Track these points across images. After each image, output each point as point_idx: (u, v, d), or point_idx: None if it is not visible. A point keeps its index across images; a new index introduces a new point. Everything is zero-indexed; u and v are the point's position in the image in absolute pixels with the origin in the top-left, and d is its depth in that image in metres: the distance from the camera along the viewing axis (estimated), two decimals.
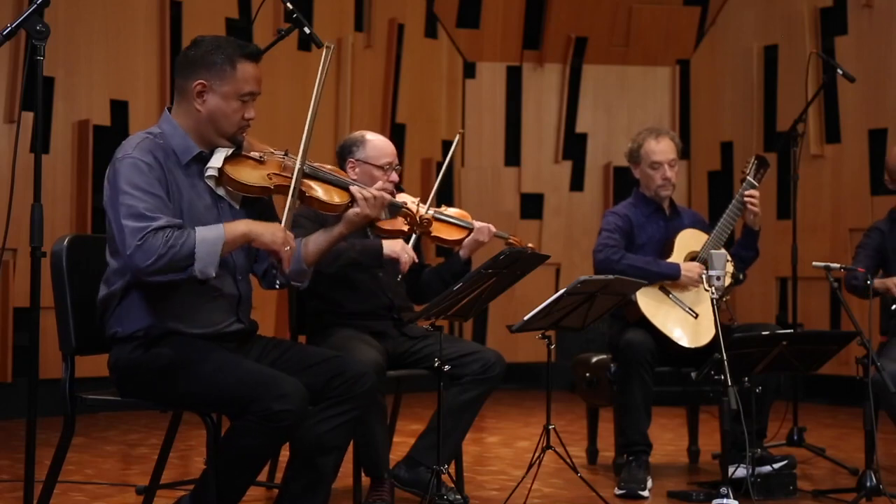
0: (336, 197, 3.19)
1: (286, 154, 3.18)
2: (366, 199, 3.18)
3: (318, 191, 3.17)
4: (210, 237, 2.93)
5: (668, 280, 4.59)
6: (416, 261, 4.01)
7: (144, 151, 3.00)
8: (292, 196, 3.09)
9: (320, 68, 3.17)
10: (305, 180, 3.14)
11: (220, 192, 3.13)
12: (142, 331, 3.03)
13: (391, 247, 3.94)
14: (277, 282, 3.21)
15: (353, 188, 3.20)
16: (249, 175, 3.09)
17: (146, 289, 3.00)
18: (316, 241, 3.24)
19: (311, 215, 3.79)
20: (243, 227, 3.01)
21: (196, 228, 2.93)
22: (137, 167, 2.96)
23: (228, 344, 3.14)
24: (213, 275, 2.95)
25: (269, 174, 3.11)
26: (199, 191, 3.09)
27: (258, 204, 3.25)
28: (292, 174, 3.10)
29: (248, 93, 3.08)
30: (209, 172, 3.09)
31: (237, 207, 3.18)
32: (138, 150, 2.99)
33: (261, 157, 3.14)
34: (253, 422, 2.87)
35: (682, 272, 4.57)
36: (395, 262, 3.94)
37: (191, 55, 3.09)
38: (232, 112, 3.07)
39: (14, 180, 3.03)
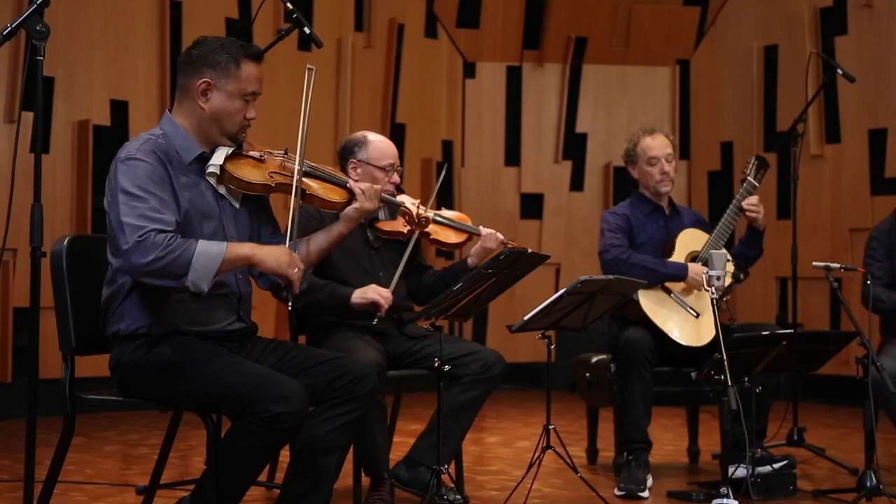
0: (335, 195, 3.25)
1: (285, 153, 3.23)
2: (363, 191, 3.26)
3: (319, 189, 3.23)
4: (211, 252, 2.92)
5: (675, 281, 4.59)
6: (391, 303, 3.90)
7: (147, 152, 3.01)
8: (295, 197, 3.11)
9: (305, 89, 3.19)
10: (305, 179, 3.19)
11: (222, 190, 3.15)
12: (143, 328, 3.04)
13: (362, 295, 3.89)
14: (290, 304, 3.12)
15: (350, 183, 3.28)
16: (251, 173, 3.12)
17: (148, 287, 2.99)
18: (316, 242, 3.28)
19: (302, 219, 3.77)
20: (247, 249, 3.00)
21: (199, 241, 2.93)
22: (140, 167, 2.97)
23: (229, 343, 3.15)
24: (206, 290, 2.93)
25: (269, 173, 3.14)
26: (202, 190, 3.11)
27: (257, 202, 3.27)
28: (292, 173, 3.13)
29: (251, 92, 3.12)
30: (210, 170, 3.11)
31: (237, 206, 3.19)
32: (141, 151, 3.01)
33: (261, 156, 3.18)
34: (253, 423, 2.88)
35: (690, 274, 4.56)
36: (372, 305, 3.88)
37: (194, 54, 3.11)
38: (235, 111, 3.10)
39: (14, 180, 3.03)
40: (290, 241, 3.11)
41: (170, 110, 3.17)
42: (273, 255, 3.00)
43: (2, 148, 6.10)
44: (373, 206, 3.28)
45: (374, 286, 3.91)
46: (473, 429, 4.27)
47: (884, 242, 4.88)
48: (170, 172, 3.03)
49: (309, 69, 3.20)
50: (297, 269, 3.01)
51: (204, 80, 3.08)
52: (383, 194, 3.43)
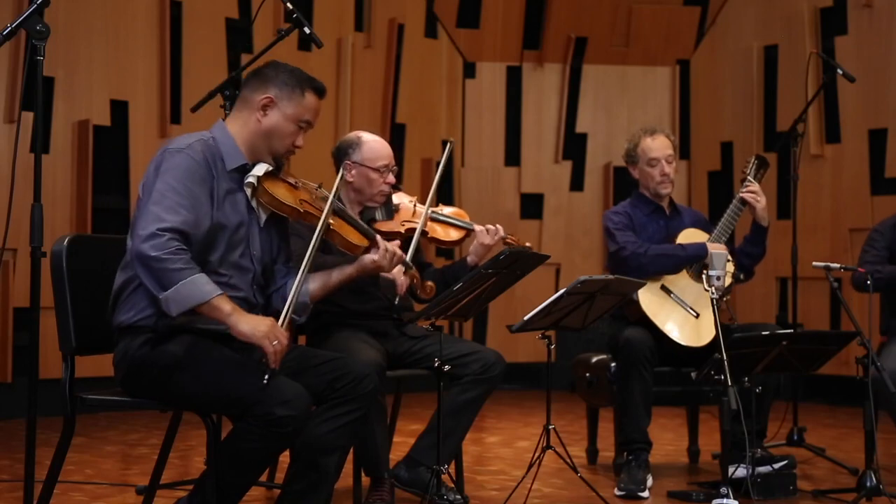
0: (356, 238, 3.28)
1: (319, 187, 3.29)
2: (387, 250, 3.28)
3: (342, 228, 3.26)
4: (203, 288, 2.91)
5: (698, 261, 4.57)
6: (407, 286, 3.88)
7: (196, 150, 3.08)
8: (319, 230, 3.13)
9: (335, 184, 3.27)
10: (332, 216, 3.22)
11: (253, 203, 3.19)
12: (150, 318, 3.03)
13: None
14: (266, 378, 2.87)
15: (378, 238, 3.30)
16: (284, 194, 3.16)
17: None
18: (324, 279, 3.30)
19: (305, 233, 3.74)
20: (229, 307, 2.95)
21: (201, 273, 2.93)
22: (186, 163, 3.03)
23: (235, 344, 3.14)
24: (174, 315, 2.92)
25: (300, 199, 3.19)
26: (237, 199, 3.15)
27: (280, 226, 3.31)
28: (321, 207, 3.18)
29: (307, 121, 3.21)
30: (249, 180, 3.16)
31: (261, 224, 3.22)
32: (191, 148, 3.07)
33: (296, 183, 3.24)
34: (255, 425, 2.88)
35: (710, 250, 4.53)
36: (392, 284, 3.87)
37: (265, 72, 3.23)
38: (288, 133, 3.19)
39: (14, 180, 3.04)
40: (303, 272, 3.10)
41: (223, 119, 3.24)
42: (250, 323, 2.94)
43: (2, 148, 6.10)
44: (388, 269, 3.33)
45: (399, 267, 3.69)
46: (473, 429, 4.27)
47: (886, 236, 4.89)
48: (214, 174, 3.08)
49: (342, 177, 3.33)
50: (276, 342, 2.92)
51: (267, 95, 3.18)
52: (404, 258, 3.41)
